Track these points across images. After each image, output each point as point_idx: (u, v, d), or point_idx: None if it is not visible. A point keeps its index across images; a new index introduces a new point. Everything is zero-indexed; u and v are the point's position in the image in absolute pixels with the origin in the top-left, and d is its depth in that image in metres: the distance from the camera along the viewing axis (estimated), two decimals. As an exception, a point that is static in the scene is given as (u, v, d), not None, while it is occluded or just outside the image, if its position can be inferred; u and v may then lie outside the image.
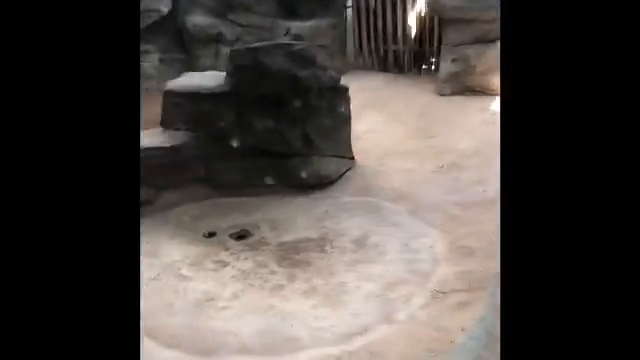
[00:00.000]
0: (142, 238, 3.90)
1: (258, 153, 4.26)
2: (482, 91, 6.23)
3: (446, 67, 6.44)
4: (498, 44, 6.18)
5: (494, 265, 2.76)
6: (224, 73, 4.32)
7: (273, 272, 3.51)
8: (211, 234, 4.03)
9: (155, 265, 3.60)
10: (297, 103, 4.01)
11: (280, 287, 3.33)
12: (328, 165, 4.28)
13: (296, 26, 7.47)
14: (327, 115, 4.30)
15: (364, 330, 2.84)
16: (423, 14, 7.24)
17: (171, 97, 4.29)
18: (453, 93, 6.38)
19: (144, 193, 4.16)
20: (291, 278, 3.41)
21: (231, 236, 3.99)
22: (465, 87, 6.33)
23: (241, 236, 4.00)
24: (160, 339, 2.79)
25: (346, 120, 4.44)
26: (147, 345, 2.75)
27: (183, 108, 4.22)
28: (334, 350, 2.68)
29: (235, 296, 3.25)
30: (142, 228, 3.98)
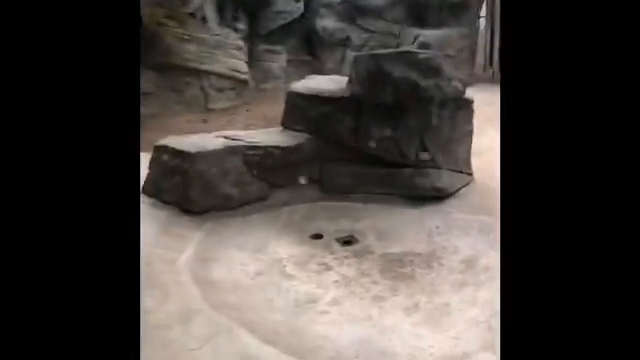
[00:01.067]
0: (252, 232, 4.04)
1: (373, 160, 4.22)
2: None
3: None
4: None
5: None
6: (347, 78, 4.33)
7: (375, 282, 3.46)
8: (318, 236, 4.06)
9: (262, 260, 3.69)
10: (417, 113, 3.91)
11: (381, 299, 3.27)
12: (444, 178, 4.13)
13: (425, 34, 7.34)
14: (448, 127, 4.16)
15: (464, 356, 2.70)
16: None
17: (294, 98, 4.38)
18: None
19: (258, 189, 4.30)
20: (393, 291, 3.33)
21: (337, 240, 3.99)
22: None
23: (347, 241, 3.99)
24: (259, 334, 2.84)
25: (468, 134, 4.27)
26: (245, 338, 2.82)
27: (304, 110, 4.29)
28: (430, 373, 2.57)
29: (335, 301, 3.23)
30: (250, 223, 4.16)
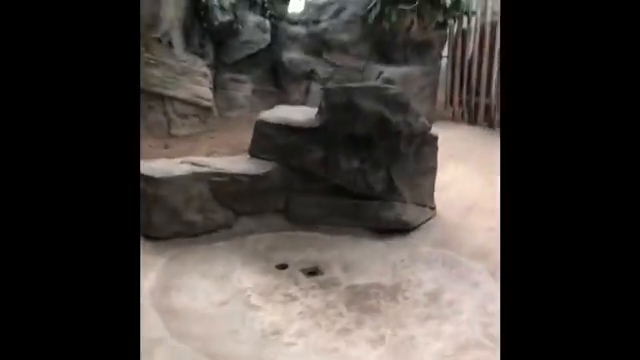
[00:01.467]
0: (216, 260, 3.97)
1: (340, 192, 4.24)
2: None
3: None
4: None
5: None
6: (315, 109, 4.37)
7: (341, 314, 3.43)
8: (283, 266, 4.02)
9: (226, 290, 3.62)
10: (385, 147, 3.97)
11: (347, 331, 3.24)
12: (409, 212, 4.19)
13: (389, 70, 7.52)
14: (413, 162, 4.23)
15: (432, 391, 2.69)
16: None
17: (262, 127, 4.38)
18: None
19: (224, 217, 4.25)
20: (359, 323, 3.31)
21: (302, 271, 3.96)
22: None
23: (312, 272, 3.96)
24: (224, 366, 2.77)
25: (432, 169, 4.35)
26: (210, 370, 2.74)
27: (272, 139, 4.29)
28: (399, 407, 2.55)
29: (301, 333, 3.19)
30: (215, 250, 4.10)
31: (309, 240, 4.28)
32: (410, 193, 4.26)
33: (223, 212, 4.19)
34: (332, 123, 4.06)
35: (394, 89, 3.96)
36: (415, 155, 4.26)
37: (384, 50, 7.74)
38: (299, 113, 4.40)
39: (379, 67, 7.60)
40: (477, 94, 7.45)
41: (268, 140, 4.33)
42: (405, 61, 7.66)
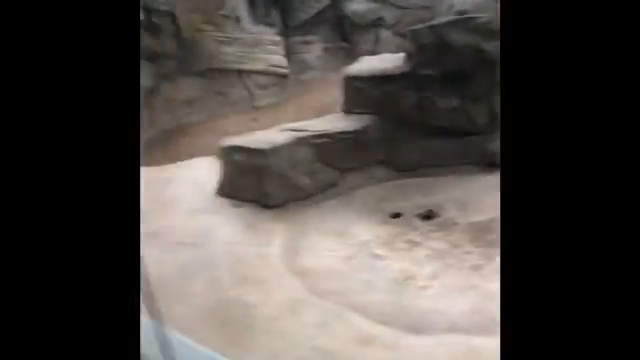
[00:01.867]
0: (332, 218, 4.07)
1: (441, 132, 4.19)
2: None
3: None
4: None
5: None
6: (402, 55, 4.30)
7: (468, 252, 3.45)
8: (396, 215, 4.06)
9: (348, 244, 3.71)
10: (482, 78, 3.86)
11: (479, 267, 3.26)
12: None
13: (458, 2, 7.21)
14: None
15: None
16: None
17: (351, 82, 4.37)
18: None
19: (331, 175, 4.32)
20: (489, 258, 3.32)
21: (418, 216, 3.98)
22: None
23: (427, 216, 3.98)
24: (370, 315, 2.87)
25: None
26: (357, 321, 2.84)
27: (364, 92, 4.29)
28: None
29: (434, 275, 3.23)
30: (328, 209, 4.19)
31: (417, 185, 4.28)
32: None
33: (329, 171, 4.26)
34: (423, 65, 3.99)
35: (483, 17, 3.81)
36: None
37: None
38: (384, 62, 4.35)
39: (447, 0, 7.31)
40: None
41: (360, 94, 4.33)
42: (474, -11, 7.30)
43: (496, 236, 3.51)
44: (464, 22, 3.79)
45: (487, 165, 4.19)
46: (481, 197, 3.99)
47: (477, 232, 3.63)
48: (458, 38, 3.76)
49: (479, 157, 4.17)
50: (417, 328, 2.76)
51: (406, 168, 4.33)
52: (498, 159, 4.16)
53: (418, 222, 3.92)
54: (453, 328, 2.75)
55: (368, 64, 4.48)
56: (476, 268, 3.25)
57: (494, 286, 3.03)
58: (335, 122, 4.37)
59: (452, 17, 4.00)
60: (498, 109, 4.07)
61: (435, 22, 4.07)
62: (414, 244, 3.65)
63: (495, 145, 4.15)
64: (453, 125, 4.13)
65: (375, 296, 3.10)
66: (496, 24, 3.79)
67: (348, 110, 4.45)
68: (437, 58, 3.91)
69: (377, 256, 3.55)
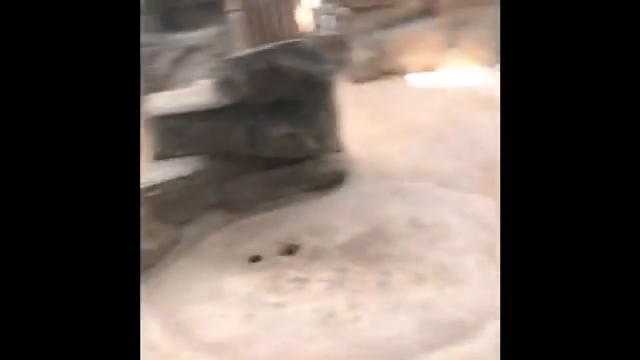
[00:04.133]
0: (190, 280, 3.44)
1: (274, 163, 4.03)
2: (396, 73, 6.60)
3: (357, 54, 6.68)
4: (407, 26, 6.62)
5: None
6: (219, 82, 3.94)
7: (362, 273, 3.38)
8: (256, 258, 3.70)
9: (234, 304, 3.20)
10: (311, 102, 3.89)
11: (384, 283, 3.22)
12: (342, 160, 4.23)
13: (184, 38, 7.03)
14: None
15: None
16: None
17: (163, 121, 3.82)
18: (368, 79, 6.64)
19: (169, 234, 3.67)
20: (385, 271, 3.31)
21: (279, 254, 3.72)
22: (379, 71, 6.64)
23: (289, 251, 3.75)
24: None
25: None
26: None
27: (184, 131, 3.80)
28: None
29: (352, 304, 3.06)
30: (181, 271, 3.55)
31: (261, 224, 3.99)
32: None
33: (167, 229, 3.62)
34: (252, 93, 3.77)
35: (307, 40, 3.83)
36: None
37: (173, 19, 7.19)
38: (202, 93, 3.94)
39: (174, 37, 7.06)
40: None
41: (178, 134, 3.82)
42: (197, 25, 7.25)
43: (375, 248, 3.54)
44: (291, 46, 3.72)
45: (323, 188, 4.20)
46: (330, 218, 3.96)
47: (352, 251, 3.60)
48: (288, 63, 3.68)
49: (315, 181, 4.15)
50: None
51: (244, 207, 4.00)
52: (328, 181, 4.23)
53: (285, 259, 3.66)
54: (413, 345, 2.66)
55: (178, 98, 3.97)
56: (382, 284, 3.22)
57: (415, 292, 3.06)
58: (161, 170, 3.74)
59: (281, 42, 3.88)
60: (327, 132, 4.15)
61: (266, 47, 3.88)
62: (302, 281, 3.39)
63: (326, 167, 4.21)
64: (286, 153, 4.01)
65: (318, 345, 2.76)
66: (320, 47, 3.85)
67: (163, 155, 3.86)
68: (267, 85, 3.74)
69: (276, 305, 3.17)
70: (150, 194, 3.50)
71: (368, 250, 3.58)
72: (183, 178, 3.70)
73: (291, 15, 7.34)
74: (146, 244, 3.44)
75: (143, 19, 7.05)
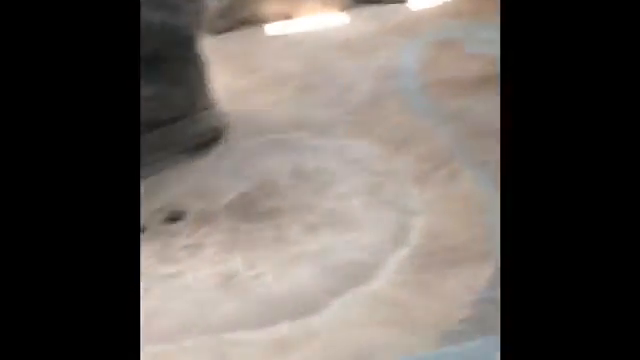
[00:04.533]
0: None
1: (142, 126, 3.76)
2: (253, 22, 6.42)
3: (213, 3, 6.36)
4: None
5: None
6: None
7: (259, 229, 3.34)
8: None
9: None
10: (178, 59, 3.67)
11: (280, 237, 3.23)
12: (220, 116, 4.09)
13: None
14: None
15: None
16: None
17: None
18: (226, 30, 6.39)
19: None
20: (281, 226, 3.32)
21: (165, 222, 3.54)
22: (236, 21, 6.41)
23: (173, 218, 3.58)
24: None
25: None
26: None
27: None
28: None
29: (252, 264, 3.04)
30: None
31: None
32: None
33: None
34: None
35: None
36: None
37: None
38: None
39: None
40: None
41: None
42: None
43: (263, 204, 3.51)
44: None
45: (201, 147, 4.03)
46: (213, 179, 3.84)
47: (240, 210, 3.54)
48: (152, 15, 3.39)
49: (191, 141, 3.98)
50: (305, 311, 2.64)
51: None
52: (204, 139, 4.07)
53: (171, 227, 3.50)
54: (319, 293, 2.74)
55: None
56: (277, 239, 3.23)
57: (311, 242, 3.11)
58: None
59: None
60: (197, 89, 3.95)
61: None
62: (193, 247, 3.28)
63: (200, 126, 4.04)
64: (154, 115, 3.77)
65: (224, 309, 2.72)
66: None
67: None
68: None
69: (172, 275, 3.05)
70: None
71: (257, 206, 3.55)
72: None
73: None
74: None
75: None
